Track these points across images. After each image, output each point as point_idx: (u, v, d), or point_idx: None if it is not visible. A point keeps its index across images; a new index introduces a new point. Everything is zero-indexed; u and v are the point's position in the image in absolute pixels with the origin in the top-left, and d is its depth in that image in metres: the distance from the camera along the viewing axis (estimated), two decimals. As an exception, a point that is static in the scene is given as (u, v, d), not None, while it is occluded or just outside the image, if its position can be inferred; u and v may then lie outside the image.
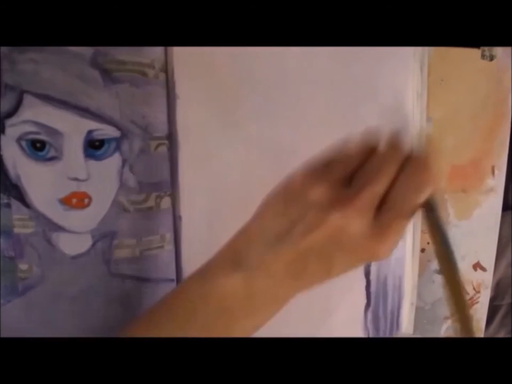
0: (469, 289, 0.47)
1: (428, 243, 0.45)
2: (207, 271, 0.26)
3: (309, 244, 0.23)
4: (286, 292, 0.26)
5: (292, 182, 0.25)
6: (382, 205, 0.23)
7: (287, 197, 0.24)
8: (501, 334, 0.51)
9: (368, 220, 0.23)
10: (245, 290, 0.24)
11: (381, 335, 0.44)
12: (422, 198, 0.23)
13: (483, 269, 0.47)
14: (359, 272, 0.43)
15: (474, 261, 0.47)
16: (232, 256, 0.25)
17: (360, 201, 0.22)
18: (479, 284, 0.47)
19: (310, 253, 0.23)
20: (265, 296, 0.25)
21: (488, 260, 0.47)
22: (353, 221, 0.23)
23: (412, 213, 0.24)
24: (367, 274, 0.43)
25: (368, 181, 0.23)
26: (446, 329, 0.46)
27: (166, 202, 0.38)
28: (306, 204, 0.23)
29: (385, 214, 0.23)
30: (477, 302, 0.47)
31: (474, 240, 0.46)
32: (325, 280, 0.24)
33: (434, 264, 0.45)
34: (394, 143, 0.24)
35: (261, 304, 0.25)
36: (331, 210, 0.22)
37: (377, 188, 0.23)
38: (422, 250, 0.45)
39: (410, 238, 0.43)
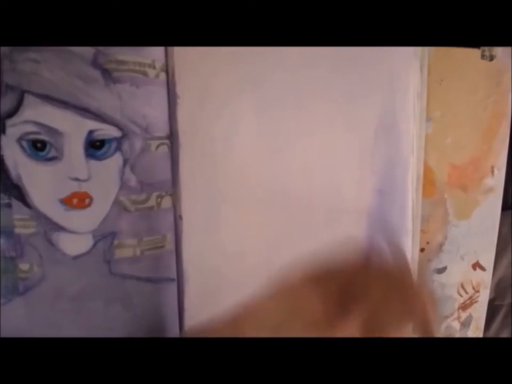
0: (468, 288, 0.47)
1: (427, 243, 0.45)
2: None
3: None
4: None
5: (292, 280, 0.26)
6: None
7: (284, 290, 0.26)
8: (504, 334, 0.51)
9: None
10: None
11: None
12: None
13: (482, 269, 0.47)
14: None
15: (474, 261, 0.47)
16: None
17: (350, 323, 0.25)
18: (479, 283, 0.47)
19: None
20: None
21: (488, 260, 0.47)
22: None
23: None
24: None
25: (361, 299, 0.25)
26: (445, 328, 0.46)
27: (167, 202, 0.38)
28: (299, 310, 0.25)
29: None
30: (476, 302, 0.48)
31: (474, 240, 0.46)
32: None
33: (434, 264, 0.45)
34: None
35: None
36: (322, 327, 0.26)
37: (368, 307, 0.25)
38: (422, 250, 0.45)
39: (410, 238, 0.44)
